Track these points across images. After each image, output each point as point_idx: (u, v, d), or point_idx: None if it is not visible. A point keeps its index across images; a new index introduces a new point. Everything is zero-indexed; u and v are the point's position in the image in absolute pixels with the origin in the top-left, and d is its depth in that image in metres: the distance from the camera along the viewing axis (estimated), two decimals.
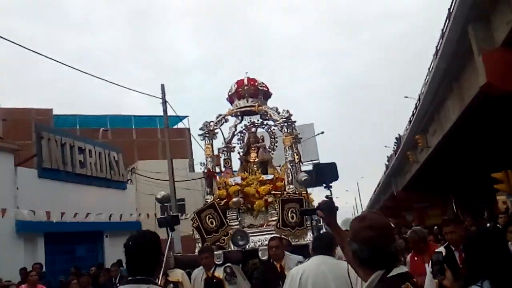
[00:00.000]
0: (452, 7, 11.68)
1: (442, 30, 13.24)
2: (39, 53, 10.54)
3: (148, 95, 17.13)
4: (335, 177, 5.14)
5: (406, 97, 24.00)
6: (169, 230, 4.43)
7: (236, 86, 7.37)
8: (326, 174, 5.11)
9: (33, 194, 13.88)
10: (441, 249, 4.17)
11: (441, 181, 24.28)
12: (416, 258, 4.88)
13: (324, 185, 4.69)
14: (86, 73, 12.54)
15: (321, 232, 6.74)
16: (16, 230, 13.48)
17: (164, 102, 16.78)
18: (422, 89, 18.28)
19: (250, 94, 7.28)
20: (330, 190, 4.67)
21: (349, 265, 2.52)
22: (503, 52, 10.43)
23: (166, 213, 6.62)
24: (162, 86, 16.91)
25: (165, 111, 16.87)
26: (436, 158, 20.35)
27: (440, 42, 13.76)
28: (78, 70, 12.49)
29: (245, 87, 7.24)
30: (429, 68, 16.47)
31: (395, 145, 30.26)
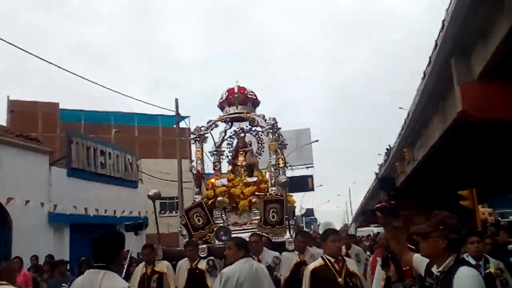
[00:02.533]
0: (438, 39, 11.38)
1: (430, 57, 12.93)
2: (31, 54, 9.90)
3: (162, 108, 16.93)
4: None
5: (401, 108, 22.21)
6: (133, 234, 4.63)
7: (227, 93, 7.01)
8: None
9: (62, 190, 14.06)
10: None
11: (425, 193, 23.49)
12: (377, 258, 5.05)
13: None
14: (82, 77, 12.22)
15: (301, 230, 6.38)
16: (48, 221, 13.65)
17: (177, 115, 16.51)
18: (411, 106, 17.72)
19: (240, 101, 6.93)
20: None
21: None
22: (478, 84, 10.31)
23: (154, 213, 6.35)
24: (176, 101, 16.65)
25: (177, 123, 16.57)
26: (421, 171, 19.68)
27: (427, 68, 13.43)
28: (71, 72, 11.61)
29: (235, 95, 6.89)
30: (417, 89, 16.03)
31: (385, 154, 29.35)
